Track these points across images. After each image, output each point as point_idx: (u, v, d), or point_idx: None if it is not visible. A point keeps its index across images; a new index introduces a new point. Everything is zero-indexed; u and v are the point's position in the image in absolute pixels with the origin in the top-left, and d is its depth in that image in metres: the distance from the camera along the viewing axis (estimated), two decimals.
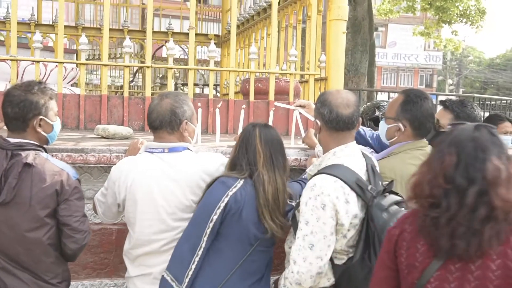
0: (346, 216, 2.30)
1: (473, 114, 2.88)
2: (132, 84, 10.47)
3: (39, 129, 2.51)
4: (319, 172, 2.41)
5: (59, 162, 2.55)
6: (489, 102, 11.92)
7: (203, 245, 2.34)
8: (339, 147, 2.47)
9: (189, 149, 2.59)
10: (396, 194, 2.43)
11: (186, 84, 8.89)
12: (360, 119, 2.60)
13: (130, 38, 7.26)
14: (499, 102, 12.22)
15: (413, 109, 2.80)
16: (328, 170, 2.37)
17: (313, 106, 3.26)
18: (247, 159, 2.46)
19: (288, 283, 2.31)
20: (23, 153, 2.41)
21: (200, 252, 2.34)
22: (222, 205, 2.35)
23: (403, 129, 2.82)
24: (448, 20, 16.23)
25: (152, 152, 2.54)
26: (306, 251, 2.27)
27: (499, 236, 1.68)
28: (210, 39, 7.56)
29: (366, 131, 3.29)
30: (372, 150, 3.15)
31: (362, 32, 10.39)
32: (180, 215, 2.48)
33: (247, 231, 2.40)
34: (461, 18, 16.19)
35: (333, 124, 2.46)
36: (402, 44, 39.43)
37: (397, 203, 2.35)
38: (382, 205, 2.29)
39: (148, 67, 3.82)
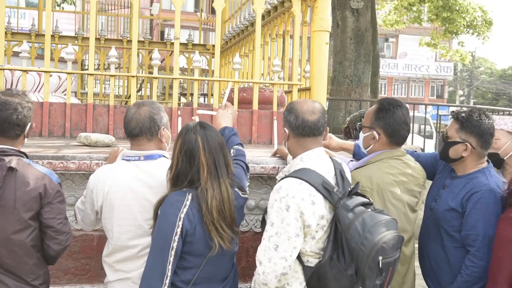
0: (313, 217, 2.34)
1: (478, 123, 2.81)
2: (138, 93, 10.60)
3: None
4: (286, 176, 2.46)
5: (40, 167, 2.63)
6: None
7: (169, 274, 2.30)
8: (305, 153, 2.53)
9: (165, 156, 2.64)
10: (364, 196, 2.46)
11: (187, 94, 8.95)
12: (328, 127, 2.65)
13: (129, 49, 7.42)
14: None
15: (386, 116, 2.83)
16: (295, 174, 2.42)
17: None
18: (191, 174, 2.39)
19: (256, 285, 2.38)
20: (6, 158, 2.49)
21: (167, 281, 2.30)
22: (179, 230, 2.30)
23: (377, 137, 2.85)
24: (454, 31, 16.23)
25: (128, 160, 2.60)
26: (271, 252, 2.33)
27: None
28: (208, 49, 7.70)
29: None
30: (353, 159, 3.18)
31: (365, 42, 10.42)
32: None
33: (203, 244, 2.37)
34: (468, 29, 16.17)
35: (300, 130, 2.53)
36: (412, 55, 39.31)
37: (363, 204, 2.39)
38: (347, 206, 2.34)
39: (133, 76, 3.89)
